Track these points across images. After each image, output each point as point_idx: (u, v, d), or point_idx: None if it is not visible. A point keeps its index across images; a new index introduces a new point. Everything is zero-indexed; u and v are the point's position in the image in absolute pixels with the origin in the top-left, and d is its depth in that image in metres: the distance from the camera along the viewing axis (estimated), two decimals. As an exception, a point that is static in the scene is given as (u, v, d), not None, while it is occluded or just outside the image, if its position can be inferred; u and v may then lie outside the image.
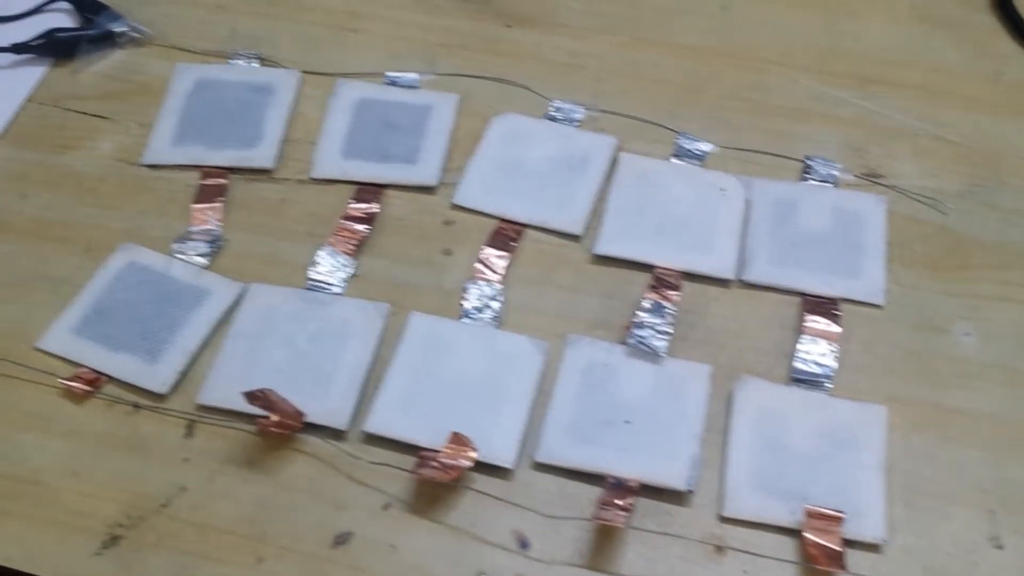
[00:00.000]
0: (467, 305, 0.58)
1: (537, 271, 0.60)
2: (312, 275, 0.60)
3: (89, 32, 0.71)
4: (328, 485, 0.52)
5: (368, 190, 0.64)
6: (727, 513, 0.51)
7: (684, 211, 0.62)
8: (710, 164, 0.65)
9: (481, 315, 0.58)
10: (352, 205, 0.63)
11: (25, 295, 0.59)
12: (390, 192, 0.64)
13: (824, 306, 0.58)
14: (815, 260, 0.59)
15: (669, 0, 0.75)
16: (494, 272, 0.60)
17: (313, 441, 0.54)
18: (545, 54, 0.71)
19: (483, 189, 0.63)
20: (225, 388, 0.55)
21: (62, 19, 0.74)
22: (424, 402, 0.54)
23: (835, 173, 0.64)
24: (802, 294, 0.59)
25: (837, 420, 0.53)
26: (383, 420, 0.54)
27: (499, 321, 0.58)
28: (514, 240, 0.61)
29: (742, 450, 0.52)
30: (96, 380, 0.56)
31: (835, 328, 0.57)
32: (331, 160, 0.65)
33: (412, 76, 0.70)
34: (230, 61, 0.71)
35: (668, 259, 0.60)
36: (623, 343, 0.56)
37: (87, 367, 0.56)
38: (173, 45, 0.72)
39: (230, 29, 0.73)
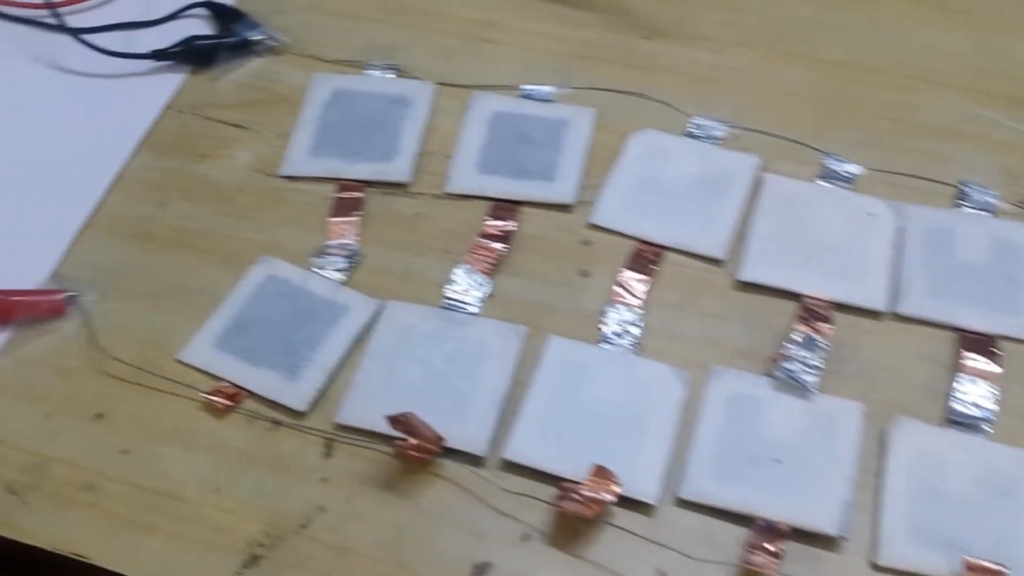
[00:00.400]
0: (606, 330, 0.57)
1: (678, 296, 0.59)
2: (448, 293, 0.59)
3: (227, 40, 0.72)
4: (466, 512, 0.51)
5: (504, 207, 0.63)
6: (881, 562, 0.49)
7: (832, 237, 0.60)
8: (858, 187, 0.63)
9: (620, 340, 0.57)
10: (489, 222, 0.62)
11: (165, 306, 0.60)
12: (526, 209, 0.63)
13: (982, 344, 0.55)
14: (972, 294, 0.57)
15: (812, 12, 0.72)
16: (633, 296, 0.58)
17: (451, 466, 0.53)
18: (684, 67, 0.70)
19: (621, 208, 0.62)
20: (363, 408, 0.54)
21: (200, 26, 0.75)
22: (563, 430, 0.53)
23: (992, 201, 0.61)
24: (958, 329, 0.56)
25: (998, 467, 0.51)
26: (522, 447, 0.53)
27: (639, 347, 0.56)
28: (654, 263, 0.60)
29: (897, 495, 0.50)
30: (237, 395, 0.56)
31: (995, 368, 0.54)
32: (467, 175, 0.64)
33: (548, 89, 0.69)
34: (365, 71, 0.71)
35: (816, 288, 0.57)
36: (769, 375, 0.55)
37: (228, 381, 0.56)
38: (309, 54, 0.72)
39: (365, 38, 0.73)
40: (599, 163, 0.64)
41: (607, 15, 0.73)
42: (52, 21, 0.74)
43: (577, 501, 0.50)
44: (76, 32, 0.72)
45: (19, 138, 0.69)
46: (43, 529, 0.52)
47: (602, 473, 0.50)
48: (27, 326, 0.59)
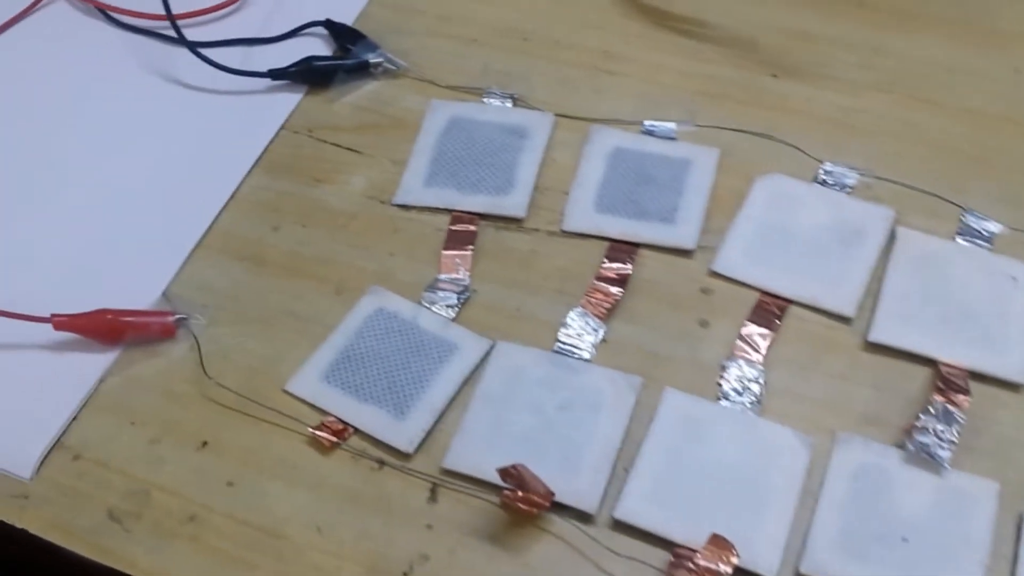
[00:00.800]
0: (725, 386, 0.55)
1: (803, 353, 0.56)
2: (561, 336, 0.57)
3: (346, 62, 0.71)
4: (574, 573, 0.49)
5: (621, 248, 0.61)
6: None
7: (970, 300, 0.56)
8: (998, 247, 0.59)
9: (740, 397, 0.54)
10: (605, 264, 0.60)
11: (275, 332, 0.59)
12: (643, 251, 0.61)
13: None
14: (1124, 370, 0.53)
15: (954, 58, 0.69)
16: (755, 350, 0.56)
17: (559, 521, 0.51)
18: (814, 109, 0.67)
19: (745, 257, 0.60)
20: (471, 453, 0.53)
21: (317, 44, 0.74)
22: (677, 491, 0.51)
23: None
24: (1107, 409, 0.52)
25: None
26: (634, 508, 0.51)
27: (759, 406, 0.54)
28: (778, 316, 0.57)
29: (1037, 588, 0.47)
30: (343, 431, 0.55)
31: None
32: (584, 213, 0.63)
33: (669, 126, 0.66)
34: (483, 99, 0.69)
35: (953, 355, 0.54)
36: (899, 446, 0.52)
37: (334, 416, 0.55)
38: (426, 79, 0.71)
39: (483, 64, 0.71)
40: (722, 207, 0.62)
41: (733, 49, 0.70)
42: (170, 33, 0.74)
43: (692, 571, 0.47)
44: (194, 46, 0.72)
45: (134, 152, 0.69)
46: (142, 559, 0.51)
47: (720, 543, 0.48)
48: (137, 346, 0.59)
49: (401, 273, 0.61)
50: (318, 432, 0.55)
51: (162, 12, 0.74)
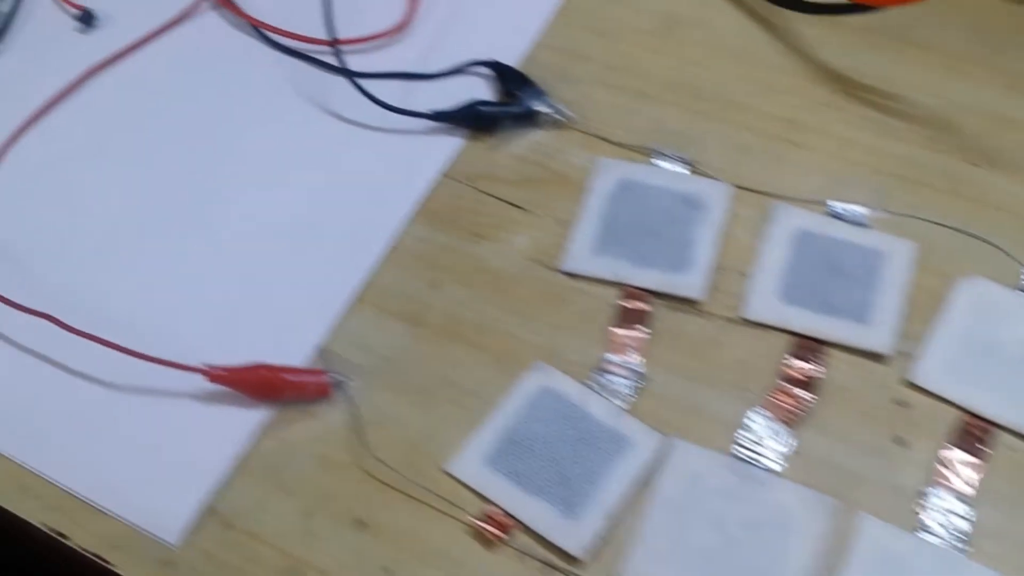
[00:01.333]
0: (926, 517, 0.51)
1: (1017, 489, 0.51)
2: (742, 440, 0.54)
3: (513, 110, 0.67)
4: None
5: (808, 346, 0.57)
6: None
7: None
8: None
9: (943, 532, 0.50)
10: (789, 361, 0.56)
11: (433, 403, 0.56)
12: (832, 351, 0.57)
13: None
14: None
15: None
16: (959, 479, 0.52)
17: (744, 654, 0.47)
18: (1019, 206, 0.62)
19: (946, 369, 0.55)
20: (651, 569, 0.49)
21: (478, 84, 0.70)
22: (874, 634, 0.47)
23: None
24: None
25: None
26: (829, 649, 0.47)
27: (967, 546, 0.50)
28: (984, 442, 0.53)
29: None
30: (508, 525, 0.51)
31: None
32: (767, 302, 0.58)
33: (860, 210, 0.62)
34: (653, 160, 0.65)
35: None
36: (1124, 609, 0.47)
37: (498, 506, 0.52)
38: (592, 132, 0.67)
39: (654, 121, 0.67)
40: (919, 309, 0.58)
41: (929, 129, 0.66)
42: (326, 59, 0.71)
43: None
44: (354, 76, 0.68)
45: (286, 184, 0.66)
46: (296, 647, 0.48)
47: None
48: (291, 406, 0.56)
49: (567, 350, 0.58)
50: (482, 524, 0.51)
51: (321, 36, 0.71)
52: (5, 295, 0.58)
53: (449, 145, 0.67)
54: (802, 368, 0.56)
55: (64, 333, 0.56)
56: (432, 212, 0.64)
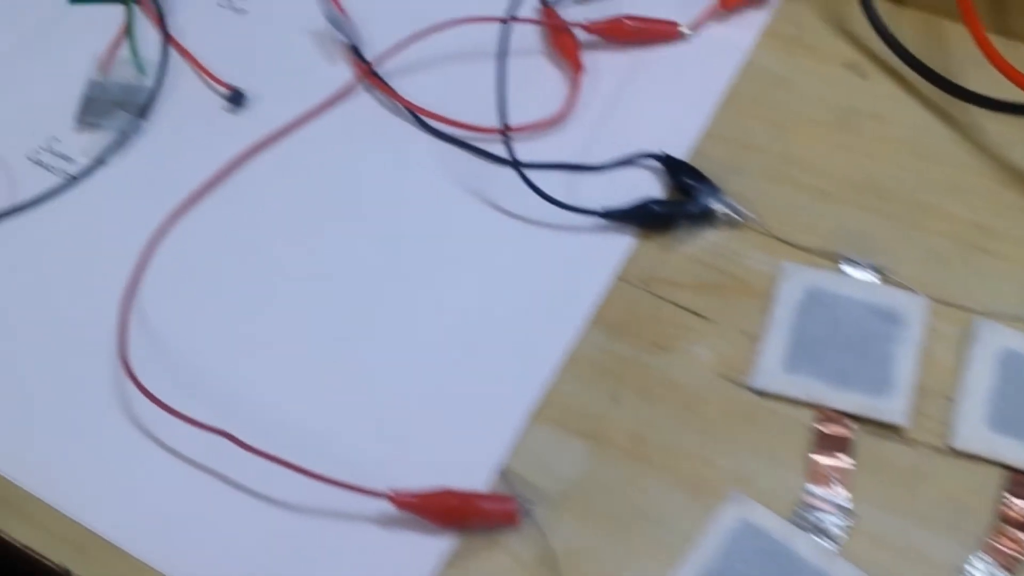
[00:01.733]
0: None
1: None
2: (964, 589, 0.50)
3: (688, 208, 0.64)
4: None
5: (1027, 482, 0.53)
6: None
7: None
8: None
9: None
10: (1009, 500, 0.52)
11: (624, 533, 0.53)
12: (1050, 489, 0.53)
13: None
14: None
15: None
16: None
17: None
18: None
19: None
20: None
21: (645, 177, 0.67)
22: None
23: None
24: None
25: None
26: None
27: None
28: None
29: None
30: None
31: None
32: (975, 430, 0.55)
33: (1069, 331, 0.58)
34: (841, 265, 0.62)
35: None
36: None
37: (705, 657, 0.49)
38: (771, 233, 0.64)
39: (836, 223, 0.64)
40: None
41: None
42: (487, 148, 0.68)
43: None
44: (520, 167, 0.66)
45: (453, 284, 0.63)
46: None
47: None
48: (476, 534, 0.53)
49: (761, 476, 0.55)
50: None
51: (481, 123, 0.69)
52: (170, 403, 0.56)
53: (620, 244, 0.64)
54: (1022, 508, 0.52)
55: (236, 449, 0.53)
56: (609, 319, 0.61)
